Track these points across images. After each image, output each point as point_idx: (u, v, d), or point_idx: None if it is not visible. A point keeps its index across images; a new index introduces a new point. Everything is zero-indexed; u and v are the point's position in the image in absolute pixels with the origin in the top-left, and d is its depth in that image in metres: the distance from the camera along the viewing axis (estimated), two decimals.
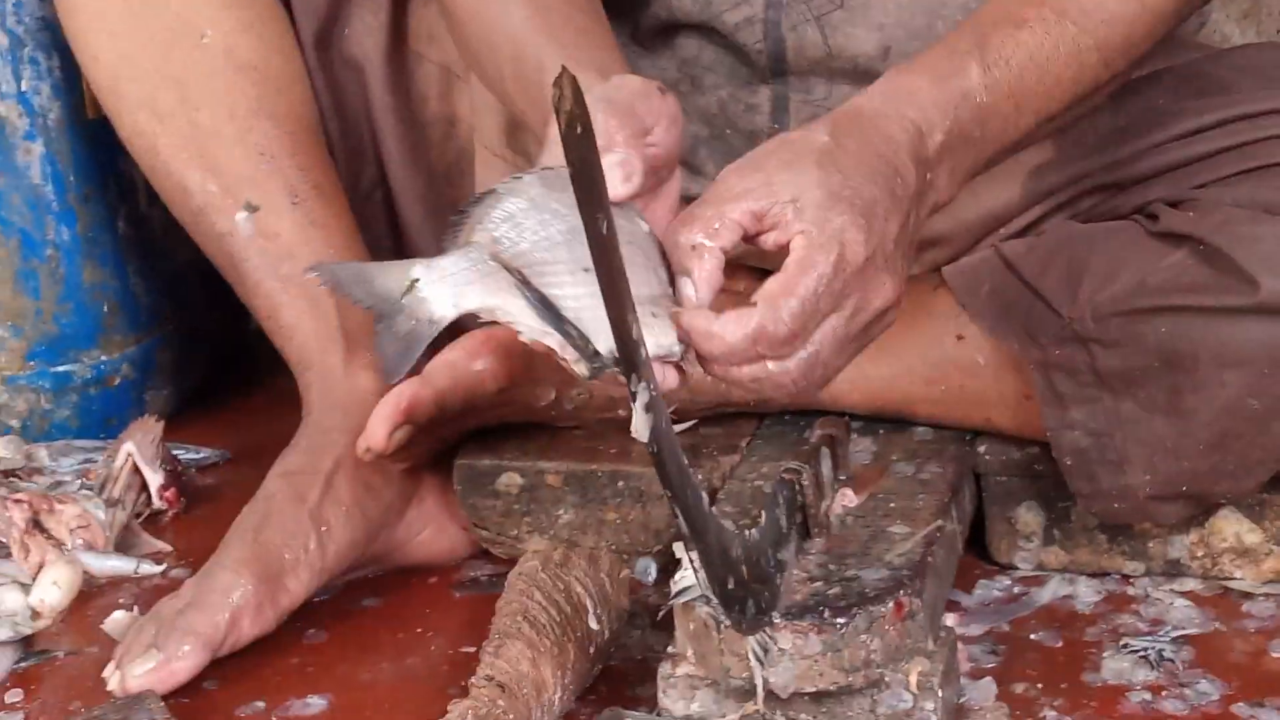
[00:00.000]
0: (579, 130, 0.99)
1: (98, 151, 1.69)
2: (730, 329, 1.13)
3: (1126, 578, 1.42)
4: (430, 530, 1.49)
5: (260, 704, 1.32)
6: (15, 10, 1.65)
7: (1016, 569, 1.44)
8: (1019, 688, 1.28)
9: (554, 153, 1.14)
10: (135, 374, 1.73)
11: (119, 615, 1.42)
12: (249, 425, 1.74)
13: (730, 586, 1.17)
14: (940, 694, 1.21)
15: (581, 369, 1.12)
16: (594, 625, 1.30)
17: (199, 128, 1.53)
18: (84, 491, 1.56)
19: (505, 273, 1.12)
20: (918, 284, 1.48)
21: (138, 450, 1.60)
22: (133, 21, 1.54)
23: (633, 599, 1.40)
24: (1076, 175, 1.45)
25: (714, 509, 1.22)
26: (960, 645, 1.29)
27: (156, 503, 1.60)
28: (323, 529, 1.41)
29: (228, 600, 1.35)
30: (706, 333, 1.13)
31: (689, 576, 1.21)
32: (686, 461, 1.13)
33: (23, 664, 1.39)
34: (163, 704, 1.27)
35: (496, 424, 1.49)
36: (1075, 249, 1.39)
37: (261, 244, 1.51)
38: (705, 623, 1.22)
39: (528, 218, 1.13)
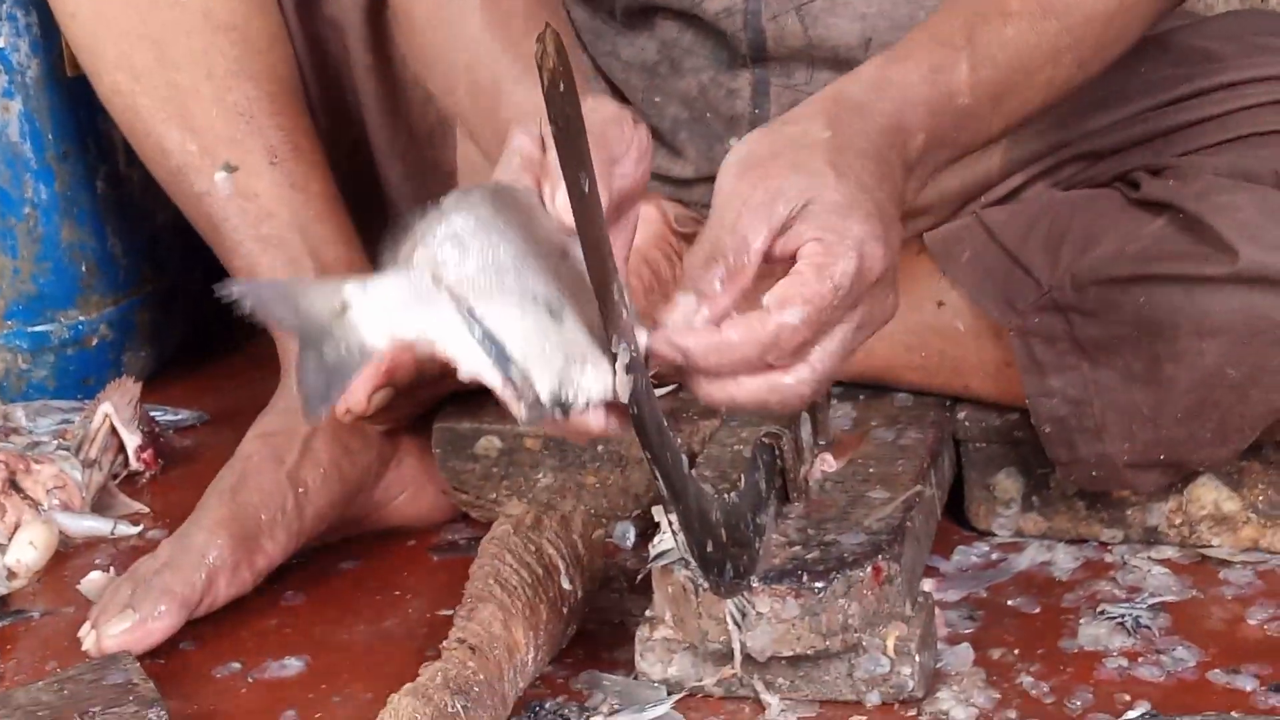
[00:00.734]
0: (561, 88, 0.99)
1: (77, 110, 1.68)
2: (741, 335, 1.08)
3: (1104, 545, 1.42)
4: (409, 493, 1.49)
5: (236, 665, 1.31)
6: None
7: (995, 535, 1.44)
8: (996, 653, 1.28)
9: (508, 167, 1.10)
10: (113, 335, 1.73)
11: (95, 576, 1.42)
12: (227, 387, 1.74)
13: (709, 550, 1.17)
14: (917, 659, 1.21)
15: (520, 412, 1.06)
16: (566, 586, 1.30)
17: (177, 87, 1.52)
18: (61, 452, 1.56)
19: (447, 299, 1.04)
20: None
21: (115, 411, 1.59)
22: None
23: (611, 563, 1.40)
24: (1057, 143, 1.45)
25: (693, 473, 1.22)
26: (938, 611, 1.29)
27: (134, 464, 1.59)
28: (300, 491, 1.40)
29: (204, 561, 1.35)
30: (714, 344, 1.08)
31: (667, 540, 1.22)
32: (666, 424, 1.13)
33: None
34: (138, 664, 1.27)
35: (476, 387, 1.48)
36: (1055, 217, 1.39)
37: (240, 204, 1.51)
38: (683, 586, 1.22)
39: (475, 239, 1.05)
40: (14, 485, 1.51)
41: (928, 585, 1.34)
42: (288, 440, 1.42)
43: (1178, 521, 1.41)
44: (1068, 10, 1.24)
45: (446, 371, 1.42)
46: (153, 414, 1.64)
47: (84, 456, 1.56)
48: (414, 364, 1.40)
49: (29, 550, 1.45)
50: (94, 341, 1.72)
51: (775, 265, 1.11)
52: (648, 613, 1.26)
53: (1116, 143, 1.43)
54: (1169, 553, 1.40)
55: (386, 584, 1.42)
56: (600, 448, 1.45)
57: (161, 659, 1.31)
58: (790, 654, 1.21)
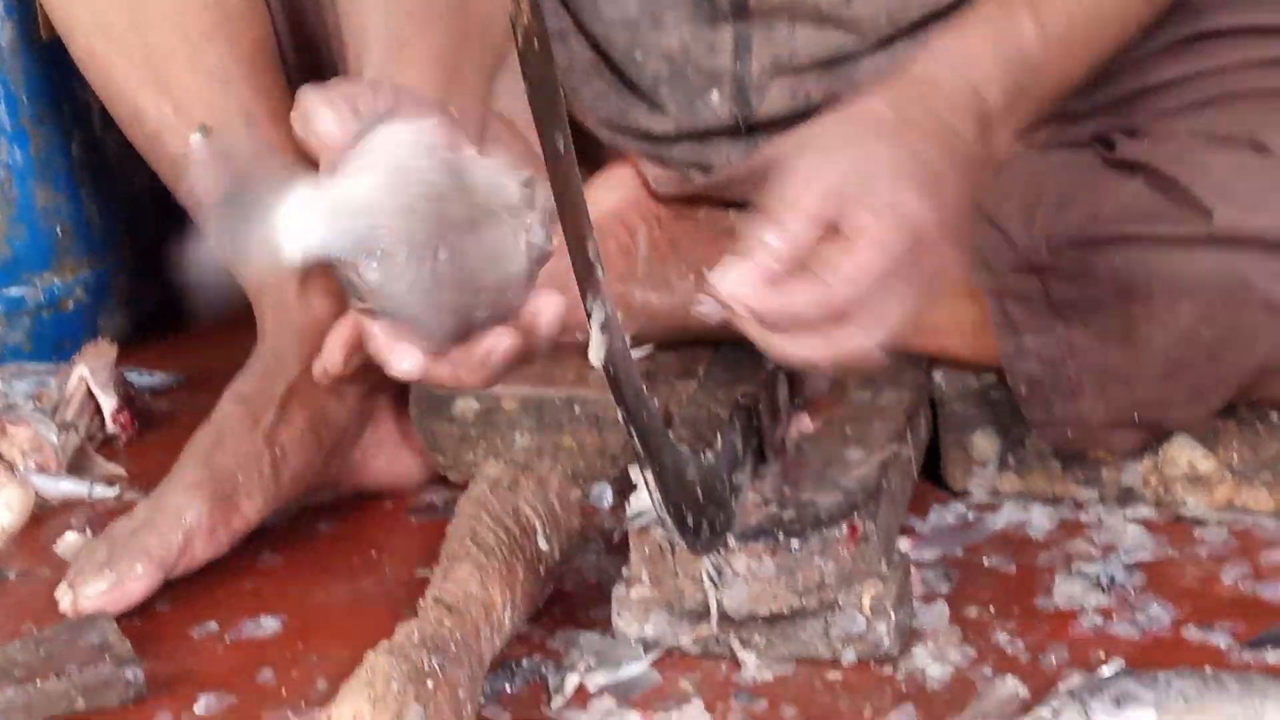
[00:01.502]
0: (536, 45, 0.99)
1: (51, 73, 1.67)
2: (796, 293, 1.12)
3: (1080, 504, 1.42)
4: (386, 455, 1.49)
5: (213, 625, 1.32)
6: None
7: (971, 495, 1.44)
8: (971, 611, 1.28)
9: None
10: (89, 298, 1.73)
11: (71, 537, 1.41)
12: (203, 350, 1.73)
13: (684, 509, 1.17)
14: (893, 617, 1.22)
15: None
16: (543, 545, 1.30)
17: (152, 50, 1.51)
18: (37, 414, 1.56)
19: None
20: None
21: (91, 374, 1.59)
22: None
23: (588, 523, 1.40)
24: None
25: (669, 433, 1.23)
26: (914, 569, 1.30)
27: (110, 427, 1.59)
28: (276, 452, 1.40)
29: (181, 521, 1.35)
30: (769, 300, 1.12)
31: (644, 499, 1.22)
32: (642, 384, 1.13)
33: None
34: (115, 625, 1.27)
35: None
36: (1031, 178, 1.39)
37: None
38: (660, 546, 1.22)
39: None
40: None
41: (904, 545, 1.34)
42: (264, 402, 1.42)
43: (1153, 481, 1.42)
44: None
45: None
46: (129, 377, 1.64)
47: (60, 419, 1.55)
48: None
49: (4, 512, 1.45)
50: (70, 305, 1.71)
51: (832, 239, 1.13)
52: (624, 572, 1.26)
53: (1092, 104, 1.43)
54: (1144, 512, 1.41)
55: (363, 545, 1.42)
56: (578, 409, 1.45)
57: (138, 619, 1.31)
58: (766, 612, 1.21)
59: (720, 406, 1.36)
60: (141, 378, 1.68)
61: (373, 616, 1.31)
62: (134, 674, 1.22)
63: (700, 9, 1.46)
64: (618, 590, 1.25)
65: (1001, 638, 1.25)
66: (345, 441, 1.46)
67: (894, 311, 1.15)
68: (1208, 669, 1.17)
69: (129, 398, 1.60)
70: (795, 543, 1.20)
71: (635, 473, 1.21)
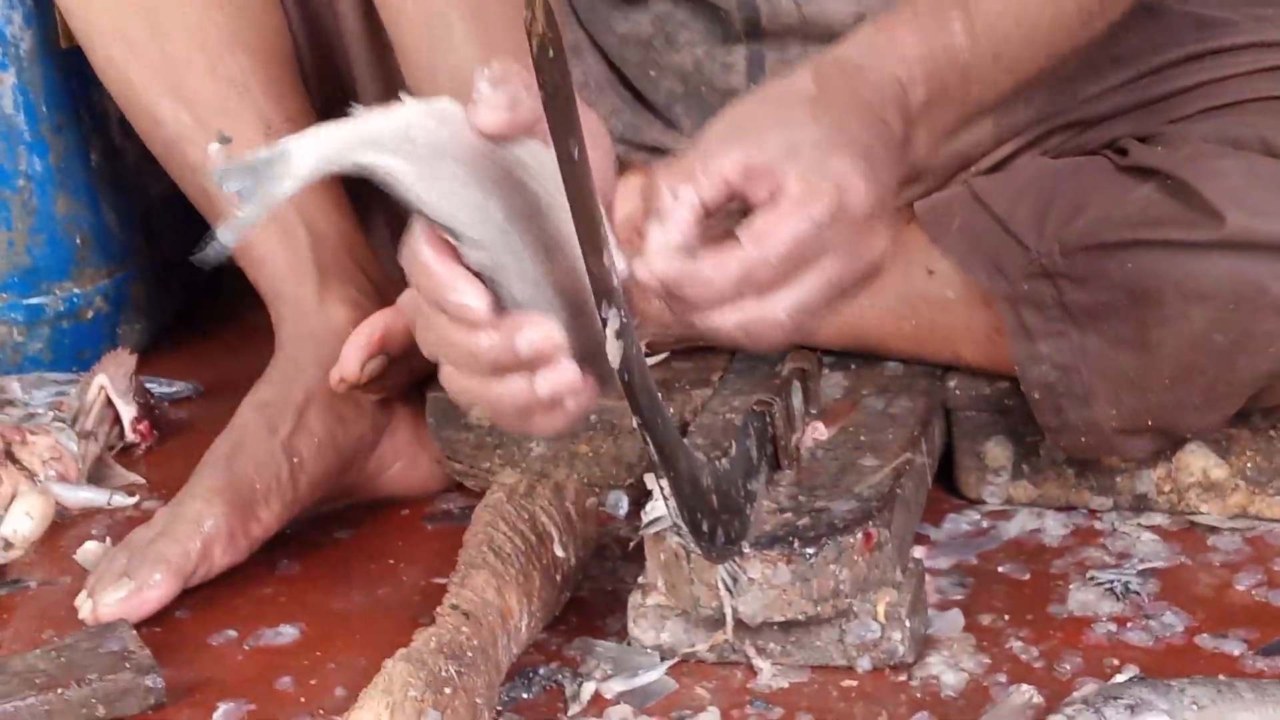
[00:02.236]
0: (551, 54, 0.99)
1: (70, 81, 1.68)
2: (714, 266, 1.08)
3: (1094, 512, 1.43)
4: (402, 462, 1.49)
5: (232, 633, 1.32)
6: None
7: (985, 503, 1.45)
8: (986, 619, 1.29)
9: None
10: (108, 307, 1.73)
11: (91, 546, 1.42)
12: (222, 359, 1.74)
13: (700, 516, 1.17)
14: (908, 624, 1.22)
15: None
16: (560, 553, 1.30)
17: (171, 58, 1.52)
18: (56, 424, 1.56)
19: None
20: None
21: (110, 383, 1.60)
22: None
23: (604, 531, 1.41)
24: (1047, 112, 1.45)
25: (685, 440, 1.23)
26: (928, 577, 1.30)
27: (129, 435, 1.60)
28: (295, 460, 1.41)
29: (199, 529, 1.35)
30: (687, 274, 1.08)
31: (659, 506, 1.22)
32: (657, 390, 1.14)
33: None
34: (134, 632, 1.28)
35: None
36: (1044, 184, 1.40)
37: None
38: (675, 553, 1.22)
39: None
40: (10, 457, 1.51)
41: (918, 552, 1.35)
42: (282, 410, 1.43)
43: (1167, 488, 1.42)
44: None
45: None
46: (148, 386, 1.64)
47: (80, 428, 1.56)
48: (407, 332, 1.41)
49: (25, 521, 1.46)
50: (89, 314, 1.72)
51: (755, 208, 1.10)
52: (640, 579, 1.26)
53: (1106, 110, 1.44)
54: (1158, 519, 1.41)
55: (381, 552, 1.43)
56: (593, 417, 1.46)
57: (157, 627, 1.32)
58: (782, 620, 1.21)
59: (735, 414, 1.37)
60: (160, 387, 1.69)
61: (390, 623, 1.32)
62: (154, 681, 1.23)
63: (714, 29, 1.47)
64: (634, 598, 1.26)
65: (1016, 645, 1.26)
66: (363, 449, 1.46)
67: (817, 285, 1.09)
68: (1221, 676, 1.17)
69: (148, 407, 1.61)
70: (810, 550, 1.21)
71: (651, 480, 1.21)
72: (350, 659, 1.28)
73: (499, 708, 1.20)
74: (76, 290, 1.71)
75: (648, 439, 1.13)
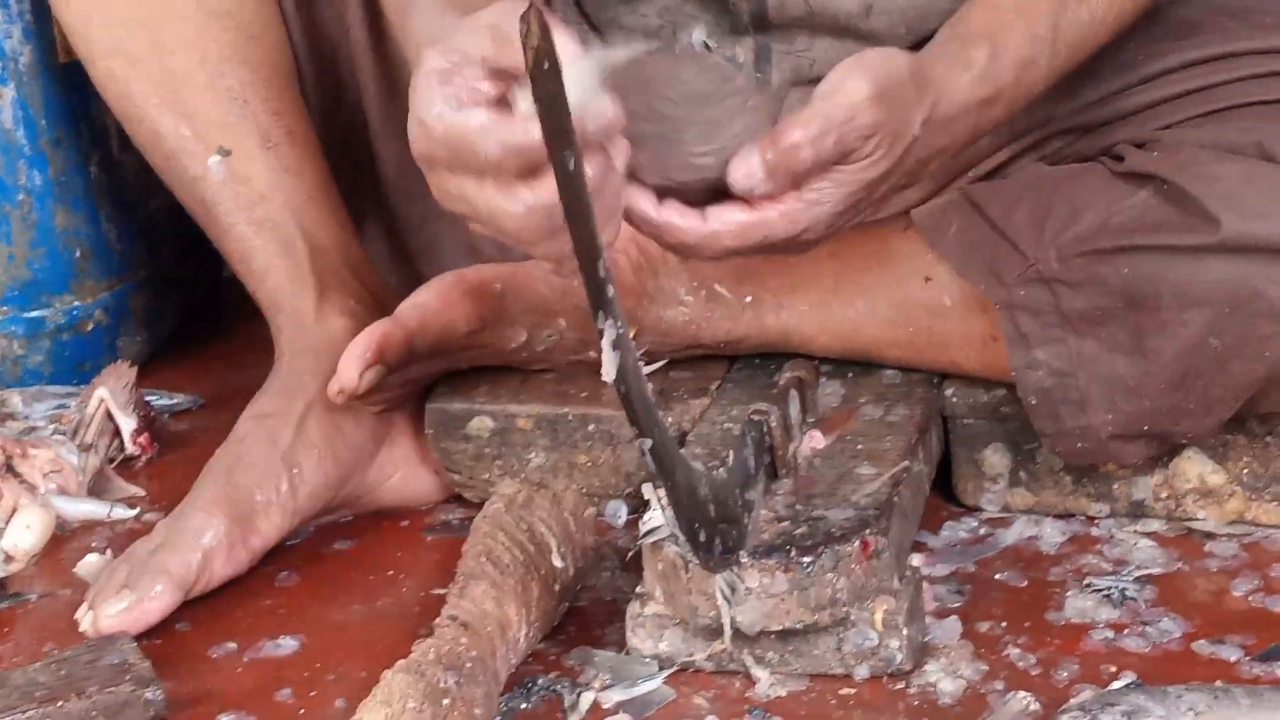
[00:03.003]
0: (546, 65, 1.00)
1: (70, 95, 1.69)
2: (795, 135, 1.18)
3: (1091, 519, 1.43)
4: (402, 474, 1.50)
5: (232, 645, 1.33)
6: None
7: (983, 510, 1.45)
8: (983, 626, 1.29)
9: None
10: (108, 319, 1.74)
11: (92, 558, 1.43)
12: (222, 371, 1.75)
13: (697, 525, 1.18)
14: (905, 632, 1.22)
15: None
16: (558, 563, 1.31)
17: (171, 72, 1.53)
18: (57, 436, 1.57)
19: None
20: (887, 225, 1.49)
21: (111, 396, 1.60)
22: None
23: (602, 541, 1.41)
24: (1044, 118, 1.46)
25: (682, 450, 1.23)
26: (926, 585, 1.31)
27: (129, 448, 1.60)
28: (294, 471, 1.41)
29: (200, 541, 1.36)
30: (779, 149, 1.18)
31: (657, 516, 1.23)
32: (654, 400, 1.14)
33: None
34: (135, 644, 1.28)
35: (468, 367, 1.49)
36: (1041, 190, 1.40)
37: (234, 188, 1.52)
38: (673, 562, 1.23)
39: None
40: (11, 469, 1.51)
41: (916, 560, 1.35)
42: (282, 422, 1.43)
43: (1164, 495, 1.42)
44: None
45: (436, 351, 1.44)
46: (148, 398, 1.65)
47: (80, 441, 1.57)
48: (404, 342, 1.41)
49: (26, 534, 1.46)
50: (89, 326, 1.73)
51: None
52: (638, 589, 1.27)
53: (1102, 117, 1.44)
54: (1155, 526, 1.42)
55: (380, 564, 1.43)
56: (592, 427, 1.46)
57: (158, 639, 1.33)
58: (779, 628, 1.22)
59: (733, 423, 1.38)
60: (160, 399, 1.69)
61: (389, 635, 1.32)
62: (154, 694, 1.23)
63: (721, 20, 1.47)
64: (632, 607, 1.26)
65: (1013, 652, 1.26)
66: (362, 461, 1.47)
67: (834, 192, 1.20)
68: (1218, 682, 1.17)
69: (148, 419, 1.61)
70: (808, 559, 1.21)
71: (648, 490, 1.22)
72: (349, 670, 1.28)
73: (498, 718, 1.21)
74: (76, 303, 1.72)
75: (645, 449, 1.14)
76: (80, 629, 1.33)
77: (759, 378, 1.48)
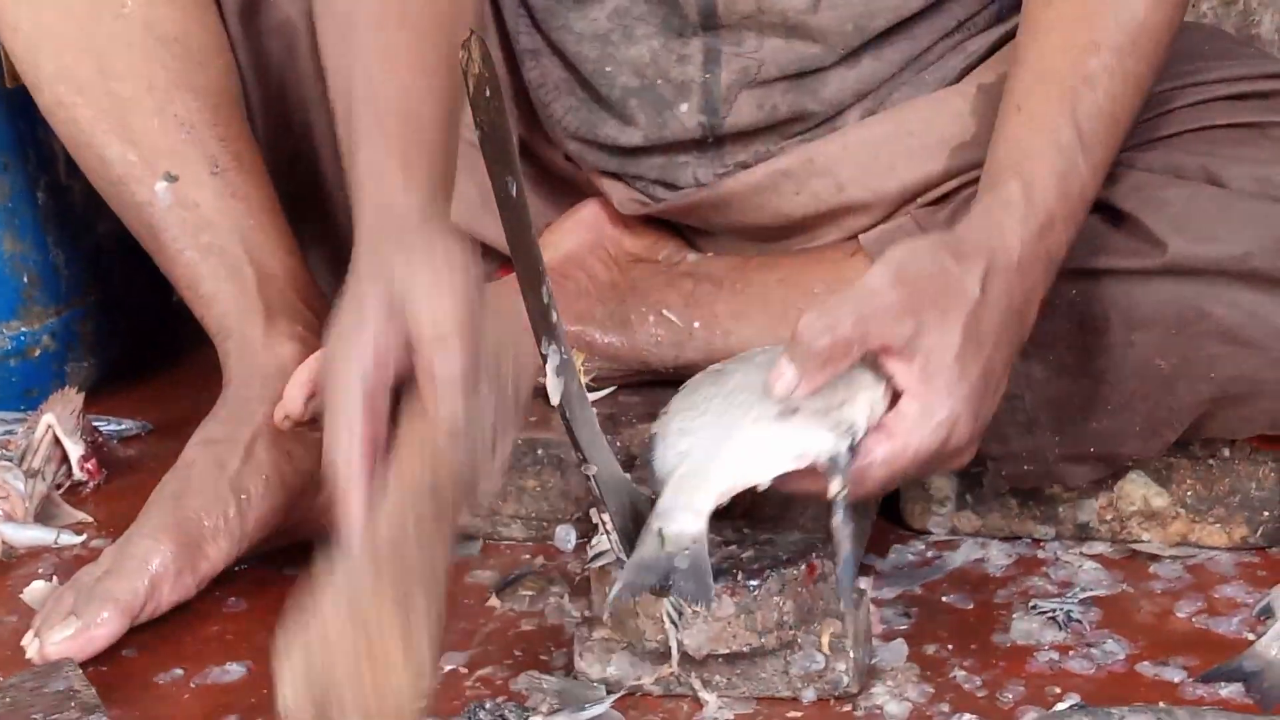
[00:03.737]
0: (487, 93, 1.00)
1: (17, 121, 1.68)
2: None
3: (1037, 541, 1.44)
4: None
5: (179, 671, 1.32)
6: None
7: (930, 534, 1.46)
8: (930, 648, 1.29)
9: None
10: (56, 345, 1.73)
11: (38, 585, 1.42)
12: (170, 397, 1.74)
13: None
14: (852, 655, 1.23)
15: None
16: None
17: (118, 98, 1.53)
18: (3, 462, 1.56)
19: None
20: (835, 250, 1.50)
21: (58, 421, 1.60)
22: None
23: (551, 565, 1.41)
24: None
25: (630, 474, 1.24)
26: (873, 608, 1.31)
27: (77, 474, 1.59)
28: (243, 497, 1.41)
29: (147, 567, 1.35)
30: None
31: (604, 541, 1.23)
32: (599, 425, 1.14)
33: None
34: (81, 671, 1.27)
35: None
36: None
37: (181, 214, 1.51)
38: (632, 595, 1.22)
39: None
40: None
41: (864, 583, 1.35)
42: (230, 447, 1.43)
43: (1108, 517, 1.43)
44: (1134, 42, 1.30)
45: None
46: (96, 424, 1.64)
47: (27, 467, 1.56)
48: None
49: None
50: (36, 352, 1.72)
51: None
52: (585, 613, 1.27)
53: None
54: (1100, 548, 1.42)
55: None
56: (540, 451, 1.46)
57: (104, 666, 1.32)
58: (726, 651, 1.22)
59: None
60: (108, 425, 1.69)
61: None
62: None
63: (670, 21, 1.48)
64: (580, 631, 1.26)
65: (959, 675, 1.26)
66: (310, 486, 1.46)
67: (899, 478, 1.21)
68: (1161, 704, 1.18)
69: (96, 445, 1.61)
70: (754, 582, 1.21)
71: (595, 514, 1.22)
72: None
73: None
74: (24, 329, 1.71)
75: (589, 474, 1.14)
76: (27, 656, 1.32)
77: None
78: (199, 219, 1.51)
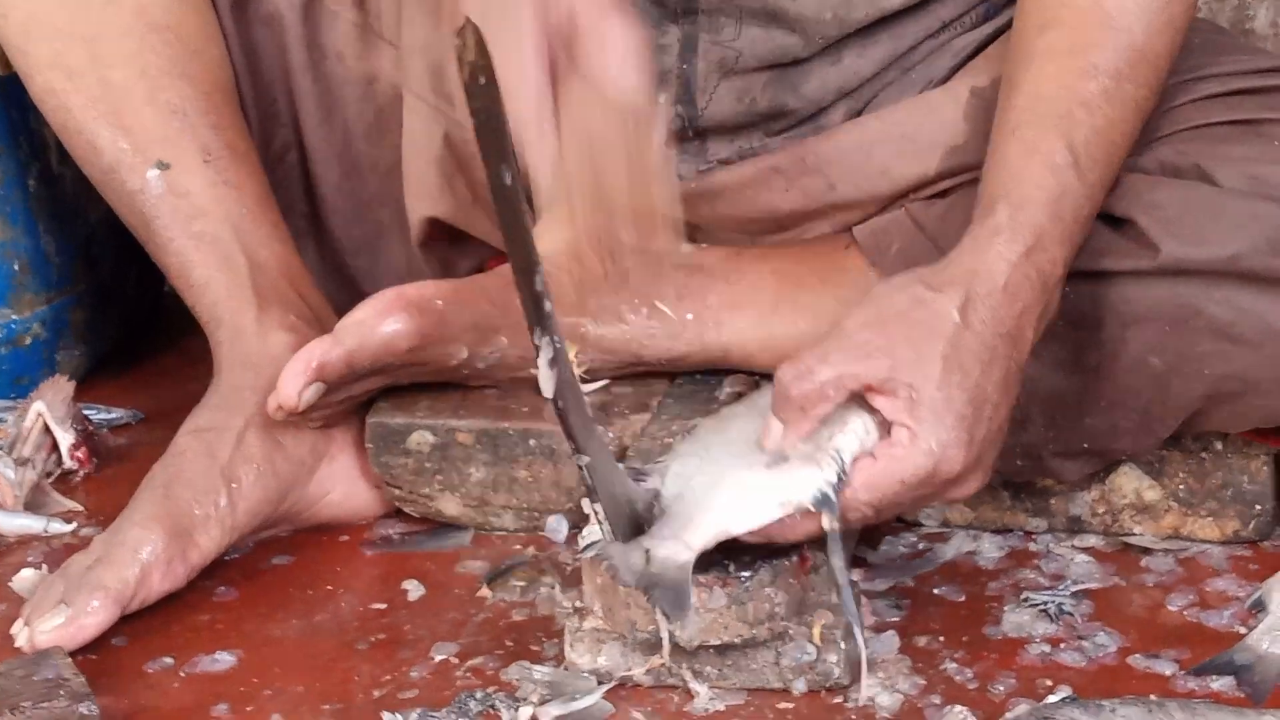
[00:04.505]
0: (482, 81, 1.00)
1: (8, 108, 1.67)
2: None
3: (1029, 534, 1.44)
4: (342, 488, 1.49)
5: (169, 660, 1.32)
6: None
7: (922, 526, 1.45)
8: (921, 640, 1.29)
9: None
10: (47, 333, 1.73)
11: (28, 573, 1.42)
12: (161, 385, 1.74)
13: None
14: (843, 646, 1.23)
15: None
16: None
17: (111, 86, 1.52)
18: None
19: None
20: (829, 242, 1.49)
21: (48, 410, 1.59)
22: None
23: (542, 555, 1.41)
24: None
25: (622, 465, 1.24)
26: (865, 599, 1.31)
27: (67, 462, 1.59)
28: (233, 486, 1.41)
29: (137, 556, 1.35)
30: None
31: (596, 531, 1.23)
32: (592, 416, 1.14)
33: None
34: (70, 660, 1.27)
35: (409, 382, 1.49)
36: None
37: (173, 202, 1.51)
38: (612, 577, 1.23)
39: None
40: None
41: (855, 575, 1.35)
42: (220, 436, 1.43)
43: (1100, 510, 1.43)
44: (1132, 66, 1.30)
45: (376, 368, 1.44)
46: (86, 412, 1.64)
47: (17, 455, 1.56)
48: (343, 359, 1.41)
49: None
50: (27, 340, 1.72)
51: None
52: (576, 604, 1.27)
53: None
54: (1092, 541, 1.42)
55: (319, 579, 1.42)
56: (533, 442, 1.46)
57: (94, 654, 1.32)
58: (718, 643, 1.22)
59: (673, 438, 1.38)
60: (99, 413, 1.68)
61: (328, 651, 1.32)
62: (89, 709, 1.22)
63: (648, 9, 1.47)
64: (570, 622, 1.26)
65: (950, 667, 1.26)
66: (301, 475, 1.46)
67: (897, 507, 1.22)
68: (1152, 696, 1.18)
69: (86, 433, 1.60)
70: (745, 574, 1.21)
71: (587, 504, 1.22)
72: (286, 686, 1.28)
73: None
74: (14, 317, 1.71)
75: (581, 465, 1.14)
76: (16, 644, 1.31)
77: (700, 393, 1.48)
78: (191, 207, 1.51)
